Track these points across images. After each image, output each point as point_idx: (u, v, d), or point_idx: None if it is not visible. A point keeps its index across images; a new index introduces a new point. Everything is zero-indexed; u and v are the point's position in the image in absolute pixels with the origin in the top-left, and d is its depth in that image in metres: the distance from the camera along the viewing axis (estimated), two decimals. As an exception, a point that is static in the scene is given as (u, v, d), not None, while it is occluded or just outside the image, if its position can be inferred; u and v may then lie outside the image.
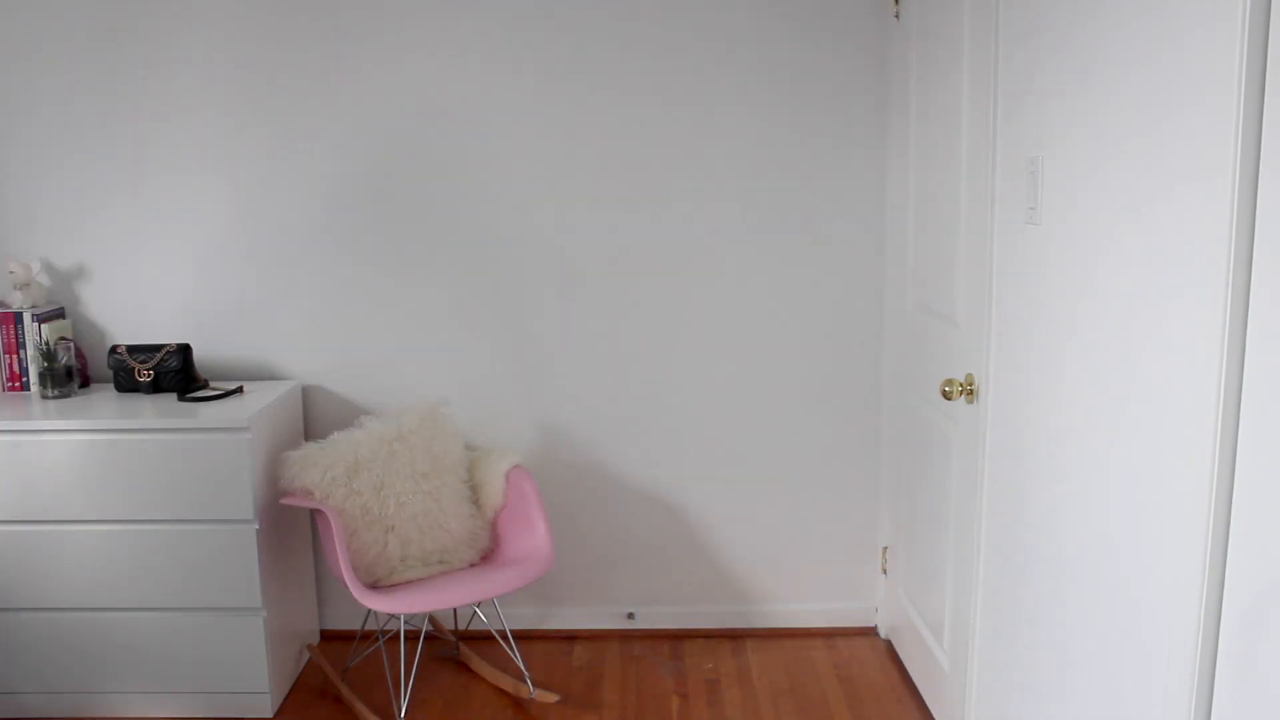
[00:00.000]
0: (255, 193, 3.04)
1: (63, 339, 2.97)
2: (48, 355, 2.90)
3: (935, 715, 2.71)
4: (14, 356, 2.98)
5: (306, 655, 3.09)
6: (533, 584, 2.81)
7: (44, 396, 2.91)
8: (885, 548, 3.18)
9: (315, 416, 3.15)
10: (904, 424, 2.93)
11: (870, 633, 3.25)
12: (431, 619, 3.20)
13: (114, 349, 2.99)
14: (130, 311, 3.10)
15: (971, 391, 2.32)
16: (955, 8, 2.38)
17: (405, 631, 2.87)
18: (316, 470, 2.72)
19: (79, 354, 3.05)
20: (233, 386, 2.97)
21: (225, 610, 2.73)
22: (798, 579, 3.26)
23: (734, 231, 3.05)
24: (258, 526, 2.69)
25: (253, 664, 2.76)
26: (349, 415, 3.07)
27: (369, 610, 2.71)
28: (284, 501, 2.74)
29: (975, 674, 2.36)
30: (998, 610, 2.22)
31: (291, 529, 2.97)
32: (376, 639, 3.03)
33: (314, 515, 2.93)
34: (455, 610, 3.20)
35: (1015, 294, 2.08)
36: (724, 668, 3.04)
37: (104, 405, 2.86)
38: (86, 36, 2.96)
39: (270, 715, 2.79)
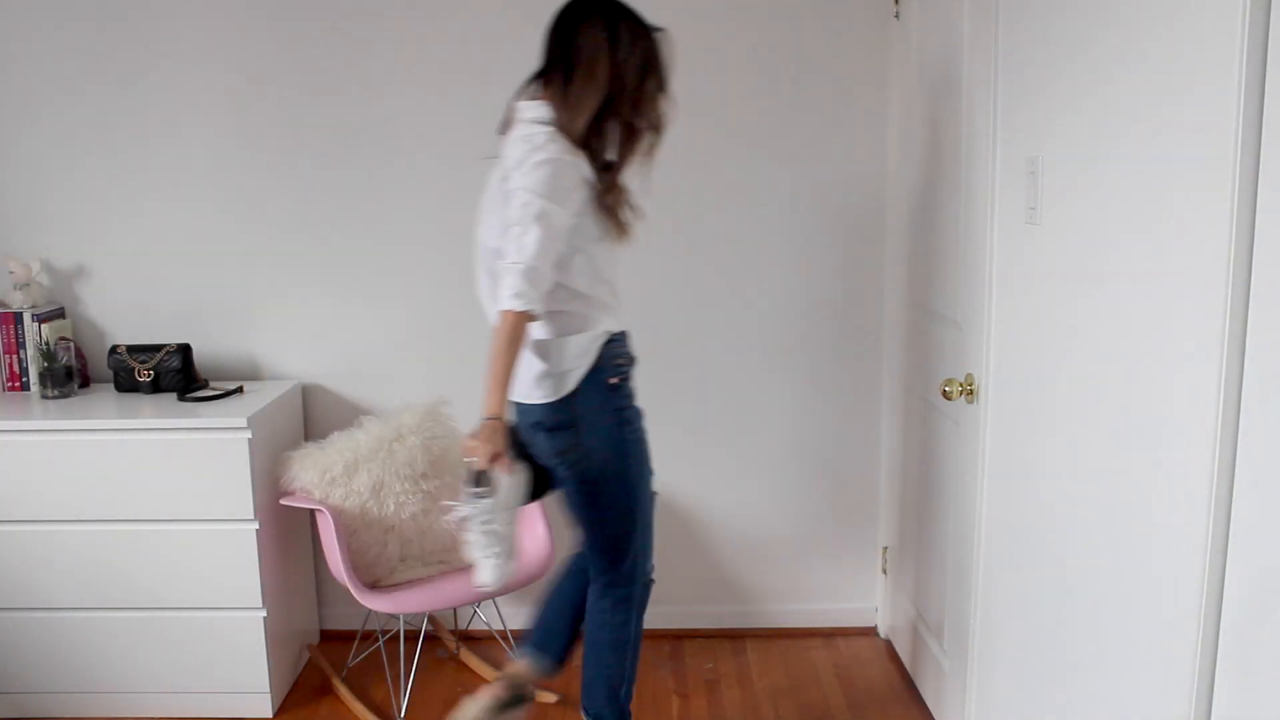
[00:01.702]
0: (255, 192, 3.04)
1: (63, 339, 2.97)
2: (48, 355, 2.89)
3: (935, 715, 2.71)
4: (14, 356, 2.98)
5: (306, 655, 3.09)
6: (533, 584, 2.80)
7: (44, 396, 2.91)
8: (885, 548, 3.18)
9: (315, 416, 3.15)
10: (904, 424, 2.93)
11: (870, 633, 3.25)
12: (431, 619, 3.20)
13: (114, 349, 2.99)
14: (130, 311, 3.10)
15: (971, 391, 2.31)
16: (955, 8, 2.38)
17: (405, 631, 2.87)
18: (316, 470, 2.72)
19: (79, 354, 3.05)
20: (233, 386, 2.97)
21: (225, 610, 2.73)
22: (798, 579, 3.26)
23: (734, 231, 3.05)
24: (258, 526, 2.69)
25: (253, 664, 2.75)
26: (349, 415, 3.07)
27: (369, 610, 2.70)
28: (284, 501, 2.75)
29: (975, 674, 2.36)
30: (998, 610, 2.21)
31: (291, 529, 2.97)
32: (376, 639, 3.03)
33: (314, 515, 2.93)
34: (455, 610, 3.20)
35: (1015, 294, 2.07)
36: (724, 668, 3.03)
37: (104, 405, 2.86)
38: (86, 38, 2.96)
39: (270, 715, 2.79)
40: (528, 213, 2.02)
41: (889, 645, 3.16)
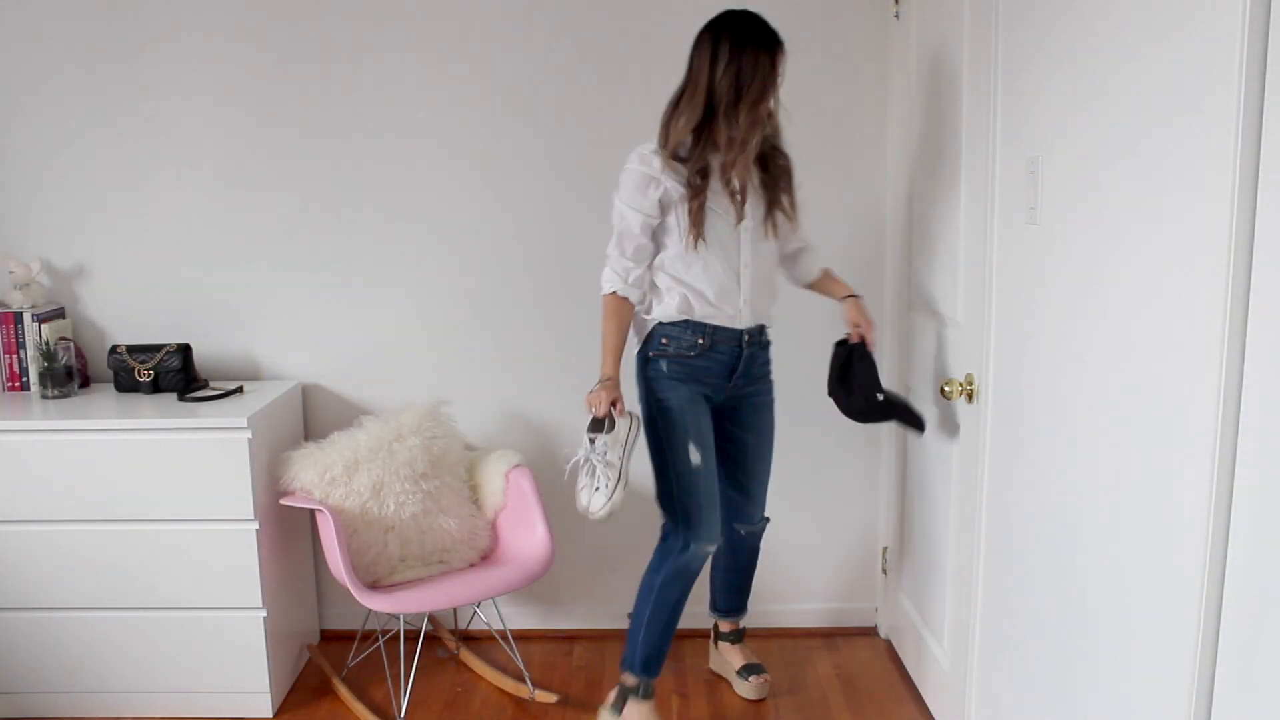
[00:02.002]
0: (255, 192, 3.04)
1: (63, 339, 2.97)
2: (48, 355, 2.90)
3: (935, 715, 2.71)
4: (14, 356, 2.98)
5: (306, 655, 3.09)
6: (533, 584, 2.80)
7: (44, 396, 2.91)
8: (885, 548, 3.18)
9: (315, 416, 3.15)
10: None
11: (870, 633, 3.25)
12: (431, 619, 3.20)
13: (114, 349, 2.99)
14: (130, 311, 3.10)
15: (971, 392, 2.31)
16: (955, 8, 2.38)
17: (405, 631, 2.87)
18: (316, 470, 2.72)
19: (79, 354, 3.05)
20: (233, 386, 2.97)
21: (225, 610, 2.73)
22: (798, 579, 3.26)
23: (734, 231, 3.04)
24: (258, 526, 2.69)
25: (253, 664, 2.75)
26: (349, 415, 3.07)
27: (369, 610, 2.70)
28: (284, 501, 2.74)
29: (975, 674, 2.36)
30: (998, 610, 2.21)
31: (291, 529, 2.97)
32: (376, 639, 3.03)
33: (314, 515, 2.93)
34: (455, 610, 3.20)
35: (1015, 294, 2.08)
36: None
37: (104, 405, 2.86)
38: (86, 37, 2.96)
39: (270, 715, 2.79)
40: (613, 214, 2.52)
41: (889, 645, 3.16)
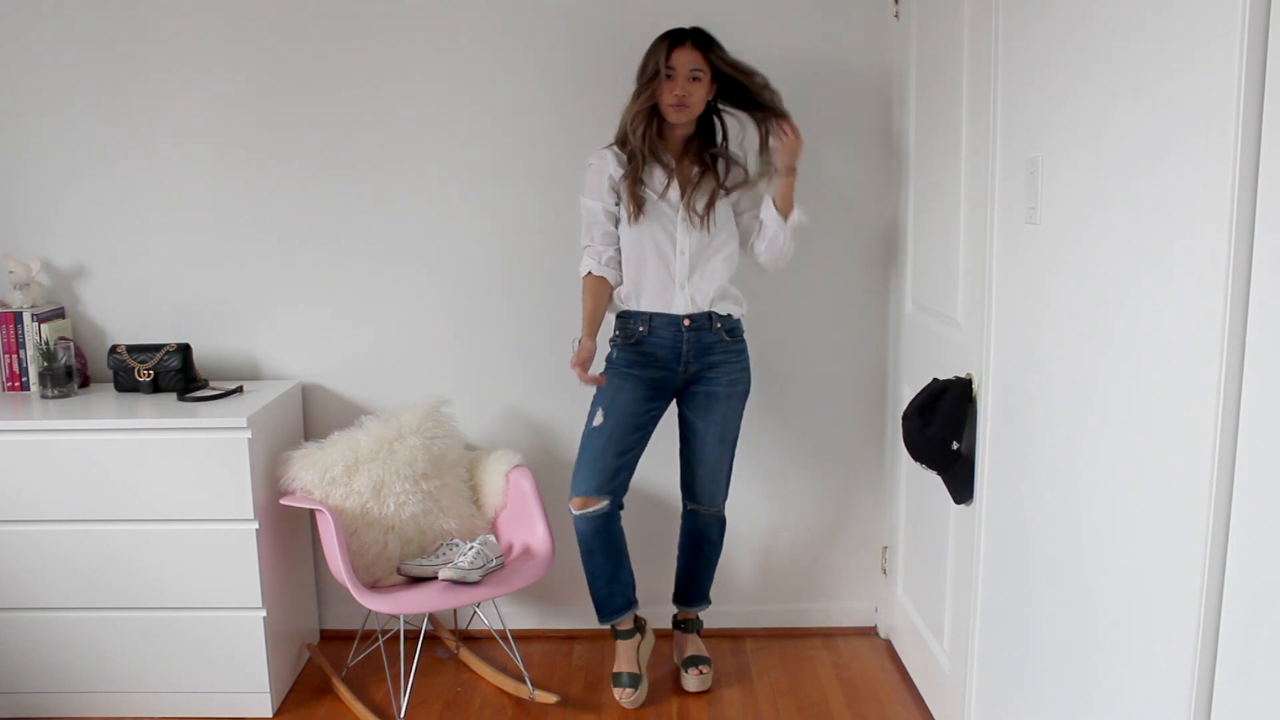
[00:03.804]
0: (256, 192, 3.04)
1: (63, 339, 2.97)
2: (48, 355, 2.89)
3: (935, 715, 2.71)
4: (14, 356, 2.98)
5: (306, 655, 3.09)
6: (533, 584, 2.80)
7: (44, 396, 2.91)
8: (885, 548, 3.18)
9: (315, 416, 3.15)
10: (904, 424, 2.93)
11: (870, 633, 3.25)
12: (431, 619, 3.20)
13: (114, 349, 2.99)
14: (130, 311, 3.10)
15: (972, 392, 2.31)
16: (955, 8, 2.38)
17: (405, 631, 2.87)
18: (316, 470, 2.72)
19: (79, 354, 3.05)
20: (233, 386, 2.97)
21: (225, 610, 2.73)
22: (798, 579, 3.26)
23: (734, 231, 3.04)
24: (258, 526, 2.69)
25: (253, 664, 2.75)
26: (349, 415, 3.07)
27: (369, 610, 2.71)
28: (284, 501, 2.74)
29: (975, 674, 2.36)
30: (998, 610, 2.21)
31: (291, 529, 2.97)
32: (376, 639, 3.03)
33: (314, 515, 2.93)
34: (455, 610, 3.20)
35: (1015, 294, 2.08)
36: (724, 668, 3.03)
37: (104, 405, 2.86)
38: (86, 38, 2.96)
39: (270, 715, 2.79)
40: (581, 211, 2.76)
41: (889, 645, 3.16)
